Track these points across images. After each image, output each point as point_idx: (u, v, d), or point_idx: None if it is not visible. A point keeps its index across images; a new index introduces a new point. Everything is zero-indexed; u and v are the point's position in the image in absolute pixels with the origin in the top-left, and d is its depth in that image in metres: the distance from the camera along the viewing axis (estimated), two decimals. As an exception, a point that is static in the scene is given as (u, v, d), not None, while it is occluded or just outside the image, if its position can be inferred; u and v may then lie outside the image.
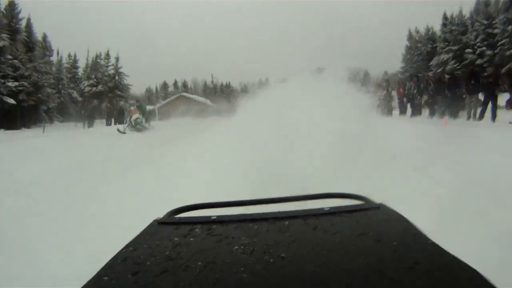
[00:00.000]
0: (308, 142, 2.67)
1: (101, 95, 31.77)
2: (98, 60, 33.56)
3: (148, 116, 12.52)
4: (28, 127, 19.15)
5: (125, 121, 12.47)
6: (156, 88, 52.37)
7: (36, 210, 2.51)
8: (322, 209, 0.65)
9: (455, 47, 23.73)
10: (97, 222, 2.11)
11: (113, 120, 19.45)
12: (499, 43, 21.91)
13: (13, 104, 19.23)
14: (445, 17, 27.18)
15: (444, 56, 24.06)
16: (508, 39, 20.66)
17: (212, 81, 50.97)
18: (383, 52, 62.13)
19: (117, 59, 33.70)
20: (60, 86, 27.48)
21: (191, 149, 4.58)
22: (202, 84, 54.11)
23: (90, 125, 18.60)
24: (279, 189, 1.61)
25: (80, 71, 33.78)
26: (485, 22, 23.29)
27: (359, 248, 0.48)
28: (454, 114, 8.80)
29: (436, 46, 26.51)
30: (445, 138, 4.59)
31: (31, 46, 23.14)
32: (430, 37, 28.79)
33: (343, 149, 2.61)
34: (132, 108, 11.79)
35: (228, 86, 54.24)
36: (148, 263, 0.48)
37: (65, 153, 5.96)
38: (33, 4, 27.54)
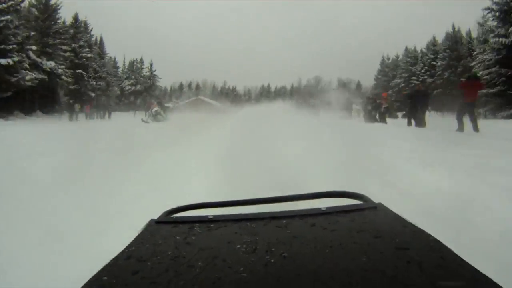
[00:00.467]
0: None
1: (138, 93, 40.21)
2: (135, 64, 42.12)
3: (166, 110, 15.61)
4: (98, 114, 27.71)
5: (145, 114, 15.50)
6: (171, 88, 60.80)
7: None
8: (320, 208, 0.65)
9: (406, 75, 33.01)
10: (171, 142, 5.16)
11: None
12: (437, 73, 31.12)
13: (92, 97, 27.68)
14: (406, 49, 36.58)
15: (398, 81, 33.37)
16: (442, 71, 29.81)
17: (225, 86, 59.79)
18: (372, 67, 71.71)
19: (151, 64, 42.29)
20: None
21: (197, 127, 6.94)
22: (211, 86, 62.89)
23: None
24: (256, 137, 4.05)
25: (119, 72, 42.26)
26: (432, 56, 32.51)
27: (360, 247, 0.48)
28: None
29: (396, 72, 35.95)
30: (363, 129, 10.47)
31: (102, 55, 31.71)
32: (395, 64, 38.11)
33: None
34: (154, 102, 16.13)
35: (234, 90, 63.36)
36: (148, 262, 0.48)
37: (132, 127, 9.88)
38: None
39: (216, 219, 0.64)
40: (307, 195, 0.74)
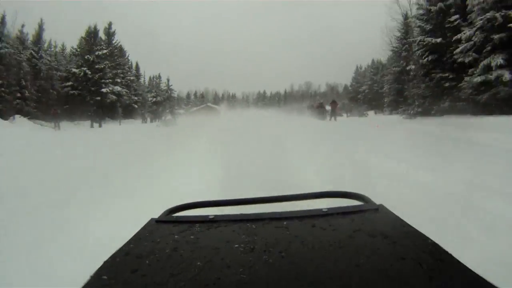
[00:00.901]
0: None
1: (159, 103, 50.43)
2: (154, 79, 52.45)
3: (176, 117, 23.77)
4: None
5: (157, 120, 25.80)
6: (178, 96, 71.18)
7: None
8: (321, 209, 0.65)
9: (370, 82, 43.89)
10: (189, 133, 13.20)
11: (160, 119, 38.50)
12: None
13: (136, 108, 37.81)
14: (372, 61, 47.52)
15: (364, 87, 44.32)
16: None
17: (225, 93, 70.46)
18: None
19: (168, 79, 52.67)
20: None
21: (201, 126, 12.39)
22: (213, 93, 73.43)
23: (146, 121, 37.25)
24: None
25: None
26: (374, 77, 43.14)
27: (359, 248, 0.48)
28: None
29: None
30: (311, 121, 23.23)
31: (138, 77, 42.09)
32: (363, 73, 48.99)
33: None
34: (167, 111, 28.13)
35: (233, 96, 73.98)
36: (147, 262, 0.48)
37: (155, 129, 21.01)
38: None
39: (215, 219, 0.64)
40: (308, 195, 0.74)
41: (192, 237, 0.57)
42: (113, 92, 28.45)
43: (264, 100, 70.19)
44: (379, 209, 0.64)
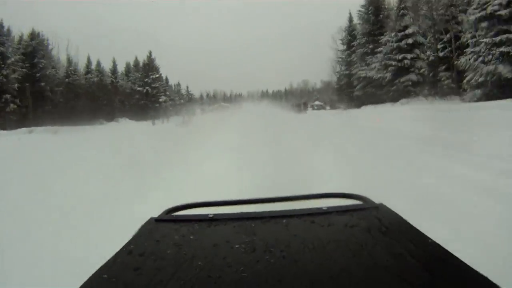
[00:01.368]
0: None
1: (181, 105, 64.25)
2: (175, 86, 66.33)
3: (191, 117, 25.44)
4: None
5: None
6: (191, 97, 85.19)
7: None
8: (321, 208, 0.65)
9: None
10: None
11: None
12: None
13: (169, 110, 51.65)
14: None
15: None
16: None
17: (232, 93, 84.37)
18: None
19: (187, 86, 66.63)
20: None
21: (216, 121, 15.87)
22: (221, 93, 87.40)
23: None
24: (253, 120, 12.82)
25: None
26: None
27: (358, 246, 0.48)
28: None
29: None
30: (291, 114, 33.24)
31: (168, 84, 56.09)
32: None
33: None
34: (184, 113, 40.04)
35: (240, 95, 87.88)
36: (148, 261, 0.48)
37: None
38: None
39: (215, 218, 0.64)
40: (308, 196, 0.74)
41: (192, 236, 0.57)
42: (164, 101, 42.25)
43: (267, 97, 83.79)
44: (379, 208, 0.65)
